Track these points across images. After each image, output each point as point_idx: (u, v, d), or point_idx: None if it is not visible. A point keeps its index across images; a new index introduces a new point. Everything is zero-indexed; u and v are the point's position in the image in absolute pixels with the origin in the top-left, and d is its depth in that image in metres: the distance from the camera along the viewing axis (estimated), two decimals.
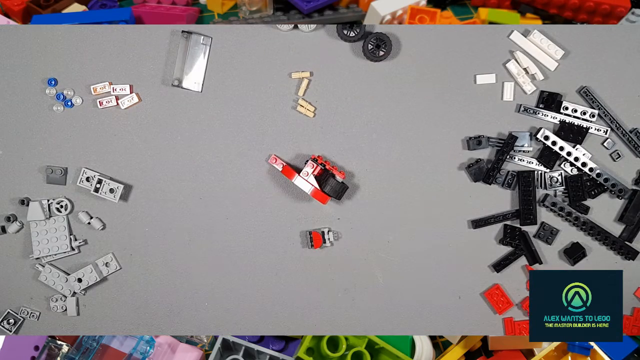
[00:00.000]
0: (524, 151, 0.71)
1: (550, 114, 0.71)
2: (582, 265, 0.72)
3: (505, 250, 0.72)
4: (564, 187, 0.71)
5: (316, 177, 0.67)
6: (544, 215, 0.72)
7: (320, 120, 0.71)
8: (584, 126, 0.71)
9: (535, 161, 0.71)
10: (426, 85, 0.72)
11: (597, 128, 0.72)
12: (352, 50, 0.72)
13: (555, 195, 0.72)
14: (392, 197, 0.71)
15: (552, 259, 0.72)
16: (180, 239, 0.71)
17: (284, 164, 0.69)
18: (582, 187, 0.71)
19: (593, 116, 0.71)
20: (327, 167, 0.68)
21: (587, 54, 0.73)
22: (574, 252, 0.71)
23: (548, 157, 0.71)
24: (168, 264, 0.71)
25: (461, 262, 0.72)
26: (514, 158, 0.71)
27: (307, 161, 0.68)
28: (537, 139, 0.70)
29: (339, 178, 0.68)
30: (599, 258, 0.72)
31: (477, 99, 0.72)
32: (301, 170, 0.67)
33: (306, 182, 0.67)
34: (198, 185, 0.71)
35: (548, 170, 0.71)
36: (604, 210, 0.73)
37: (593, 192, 0.72)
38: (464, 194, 0.72)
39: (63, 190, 0.71)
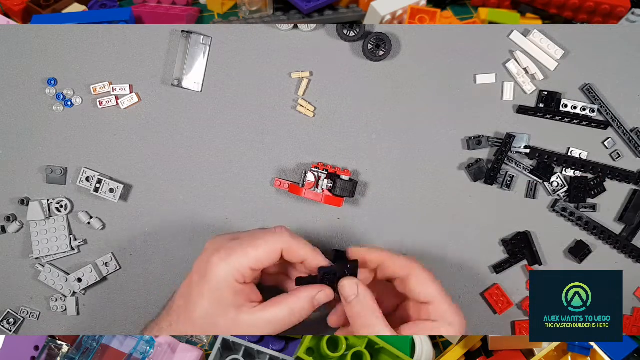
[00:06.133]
0: (523, 152, 0.71)
1: (550, 114, 0.71)
2: (585, 264, 0.72)
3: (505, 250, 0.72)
4: (565, 189, 0.71)
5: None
6: (554, 219, 0.72)
7: (320, 120, 0.71)
8: (584, 122, 0.71)
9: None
10: (426, 85, 0.72)
11: (595, 125, 0.72)
12: (352, 50, 0.72)
13: (559, 197, 0.72)
14: (392, 197, 0.71)
15: (553, 258, 0.72)
16: (180, 239, 0.71)
17: (289, 183, 0.69)
18: (583, 188, 0.71)
19: (593, 111, 0.71)
20: (330, 170, 0.68)
21: (587, 54, 0.73)
22: (579, 251, 0.71)
23: (544, 169, 0.71)
24: (168, 264, 0.71)
25: (461, 262, 0.72)
26: (512, 161, 0.71)
27: (307, 172, 0.67)
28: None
29: (345, 177, 0.68)
30: (599, 258, 0.72)
31: (477, 99, 0.72)
32: (305, 184, 0.66)
33: (314, 192, 0.67)
34: (198, 185, 0.71)
35: (546, 182, 0.71)
36: (604, 210, 0.73)
37: (593, 192, 0.72)
38: (464, 194, 0.72)
39: (63, 190, 0.70)
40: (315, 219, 0.71)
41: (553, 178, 0.72)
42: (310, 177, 0.66)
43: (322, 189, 0.66)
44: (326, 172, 0.67)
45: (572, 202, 0.71)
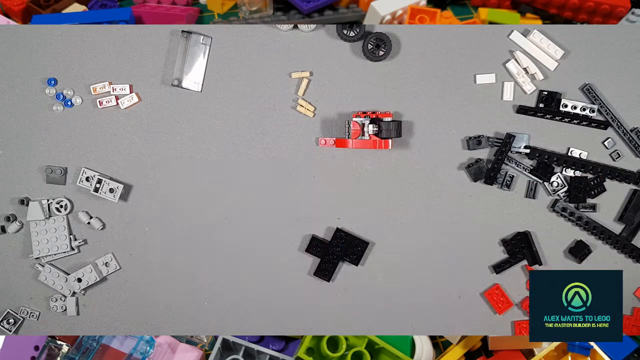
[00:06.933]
0: (523, 152, 0.71)
1: (550, 114, 0.71)
2: (585, 264, 0.72)
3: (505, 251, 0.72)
4: (565, 189, 0.71)
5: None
6: (554, 219, 0.72)
7: (320, 120, 0.71)
8: (584, 122, 0.71)
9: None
10: (426, 85, 0.72)
11: (595, 125, 0.72)
12: (352, 50, 0.72)
13: (559, 197, 0.72)
14: (392, 197, 0.71)
15: (553, 258, 0.72)
16: (180, 239, 0.71)
17: (334, 138, 0.69)
18: (583, 188, 0.71)
19: (593, 111, 0.71)
20: (371, 116, 0.67)
21: (587, 54, 0.73)
22: (579, 251, 0.71)
23: (544, 169, 0.71)
24: (168, 264, 0.71)
25: (461, 262, 0.72)
26: (512, 161, 0.71)
27: (350, 121, 0.67)
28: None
29: (387, 118, 0.68)
30: (599, 258, 0.72)
31: (477, 99, 0.72)
32: (351, 134, 0.66)
33: (362, 140, 0.67)
34: (198, 185, 0.71)
35: (546, 182, 0.71)
36: (604, 210, 0.72)
37: (593, 192, 0.72)
38: (464, 194, 0.72)
39: (63, 190, 0.71)
40: (315, 220, 0.71)
41: (553, 178, 0.71)
42: (356, 126, 0.66)
43: (369, 134, 0.66)
44: (369, 118, 0.67)
45: (572, 202, 0.71)
